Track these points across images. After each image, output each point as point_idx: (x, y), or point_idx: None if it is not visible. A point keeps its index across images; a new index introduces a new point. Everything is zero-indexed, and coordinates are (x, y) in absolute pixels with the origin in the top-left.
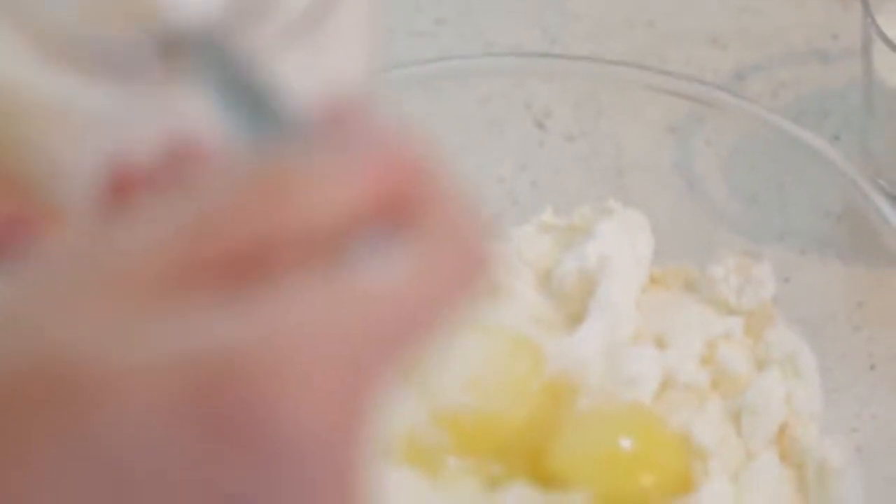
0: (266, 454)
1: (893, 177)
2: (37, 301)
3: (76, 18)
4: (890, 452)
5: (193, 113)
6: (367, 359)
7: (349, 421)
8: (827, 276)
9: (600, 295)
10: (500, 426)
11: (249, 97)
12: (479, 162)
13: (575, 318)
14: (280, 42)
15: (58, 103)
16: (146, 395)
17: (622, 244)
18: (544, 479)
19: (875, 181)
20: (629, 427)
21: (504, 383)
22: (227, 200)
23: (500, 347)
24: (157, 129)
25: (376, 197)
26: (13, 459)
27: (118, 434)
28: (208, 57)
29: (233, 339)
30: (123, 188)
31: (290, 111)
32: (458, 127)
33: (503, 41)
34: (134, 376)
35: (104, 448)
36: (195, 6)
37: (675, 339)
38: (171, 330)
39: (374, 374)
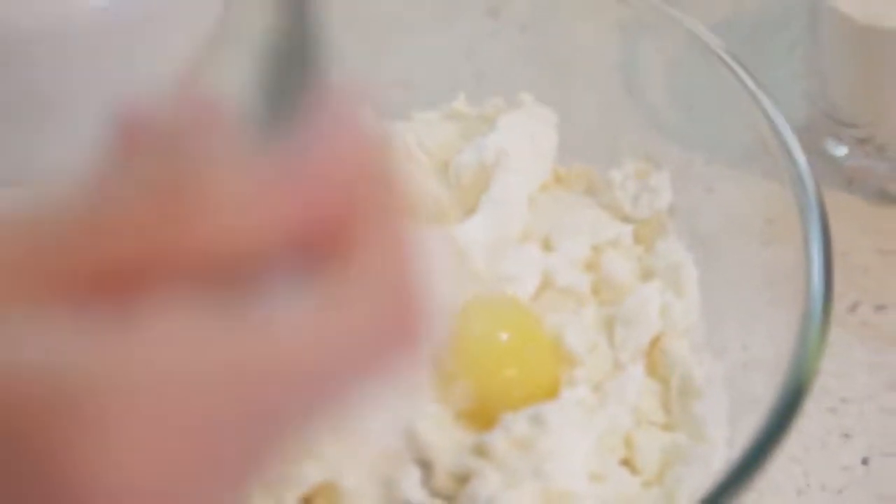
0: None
1: (836, 96)
2: None
3: None
4: (762, 371)
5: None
6: (223, 420)
7: (174, 490)
8: (746, 190)
9: (493, 189)
10: None
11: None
12: (427, 48)
13: (469, 211)
14: None
15: None
16: None
17: (523, 139)
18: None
19: (821, 105)
20: (506, 319)
21: None
22: (134, 198)
23: None
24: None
25: (300, 225)
26: None
27: None
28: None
29: (48, 360)
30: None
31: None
32: (410, 8)
33: None
34: None
35: None
36: None
37: (562, 241)
38: None
39: (228, 439)
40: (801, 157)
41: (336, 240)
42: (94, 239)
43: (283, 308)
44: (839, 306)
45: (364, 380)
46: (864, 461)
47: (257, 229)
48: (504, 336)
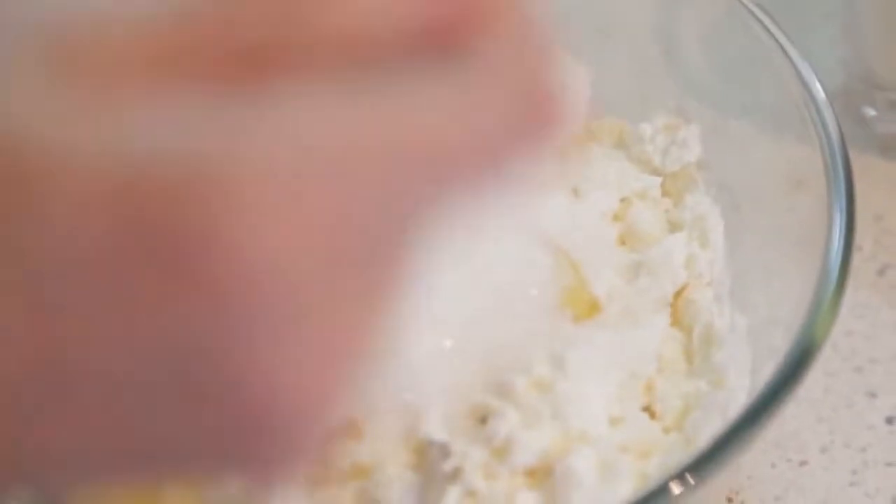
0: (202, 286)
1: (871, 60)
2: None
3: None
4: (782, 326)
5: None
6: (367, 202)
7: (331, 267)
8: (777, 150)
9: None
10: None
11: None
12: None
13: None
14: None
15: None
16: (76, 194)
17: None
18: None
19: (857, 70)
20: None
21: None
22: None
23: None
24: None
25: (434, 11)
26: None
27: (34, 231)
28: None
29: (196, 143)
30: None
31: None
32: None
33: None
34: (68, 169)
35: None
36: None
37: (591, 191)
38: (129, 124)
39: (373, 222)
40: (830, 118)
41: (468, 26)
42: (225, 26)
43: (419, 91)
44: (869, 269)
45: (501, 164)
46: (889, 420)
47: (388, 14)
48: None
